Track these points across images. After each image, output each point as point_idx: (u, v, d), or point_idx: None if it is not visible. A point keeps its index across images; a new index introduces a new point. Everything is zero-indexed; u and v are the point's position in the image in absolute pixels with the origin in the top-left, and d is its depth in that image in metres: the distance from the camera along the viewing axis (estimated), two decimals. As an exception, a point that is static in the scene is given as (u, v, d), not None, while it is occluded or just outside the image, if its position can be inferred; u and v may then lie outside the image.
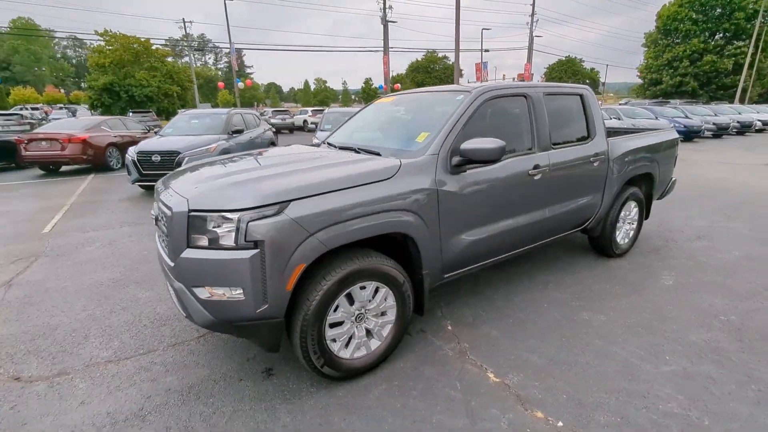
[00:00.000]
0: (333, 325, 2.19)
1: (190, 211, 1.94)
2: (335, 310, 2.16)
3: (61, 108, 35.35)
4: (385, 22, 35.47)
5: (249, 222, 1.85)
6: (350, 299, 2.21)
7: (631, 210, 4.04)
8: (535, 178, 2.97)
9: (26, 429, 2.01)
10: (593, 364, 2.43)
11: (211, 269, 1.91)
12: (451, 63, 40.07)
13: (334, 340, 2.20)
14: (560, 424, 1.98)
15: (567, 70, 39.20)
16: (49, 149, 9.89)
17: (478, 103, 2.74)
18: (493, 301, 3.23)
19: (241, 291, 1.90)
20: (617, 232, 3.96)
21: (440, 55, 40.38)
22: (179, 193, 2.11)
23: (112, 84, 28.43)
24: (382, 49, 35.82)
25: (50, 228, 5.43)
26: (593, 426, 1.96)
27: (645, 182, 4.24)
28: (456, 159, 2.49)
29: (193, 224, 1.93)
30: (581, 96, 3.49)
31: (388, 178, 2.24)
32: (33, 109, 34.64)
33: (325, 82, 75.22)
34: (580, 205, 3.45)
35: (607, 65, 68.58)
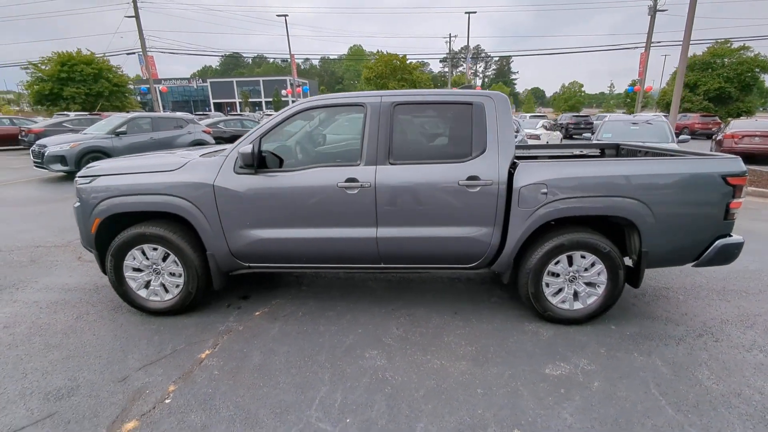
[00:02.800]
0: (135, 270, 3.06)
1: (78, 176, 3.23)
2: (134, 259, 3.02)
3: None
4: (654, 12, 29.09)
5: (78, 185, 2.98)
6: (145, 255, 3.01)
7: (585, 265, 2.80)
8: (350, 192, 2.78)
9: (44, 277, 3.87)
10: (263, 387, 2.30)
11: (76, 212, 3.16)
12: (754, 55, 28.24)
13: (133, 280, 3.07)
14: (160, 403, 2.20)
15: None
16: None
17: (292, 113, 2.88)
18: (327, 310, 3.18)
19: (79, 228, 3.07)
20: (547, 288, 2.87)
21: (735, 45, 29.15)
22: None
23: (371, 93, 35.87)
24: (644, 45, 29.61)
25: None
26: (160, 411, 2.09)
27: (630, 232, 2.81)
28: (240, 162, 2.81)
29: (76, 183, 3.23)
30: (472, 105, 2.79)
31: (171, 170, 2.88)
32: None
33: (581, 85, 67.47)
34: (453, 237, 2.82)
35: None
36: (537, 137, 12.21)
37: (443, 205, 2.78)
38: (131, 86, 34.82)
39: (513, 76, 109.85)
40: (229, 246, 2.94)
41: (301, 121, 3.19)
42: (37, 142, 10.33)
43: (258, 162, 2.83)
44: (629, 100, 37.85)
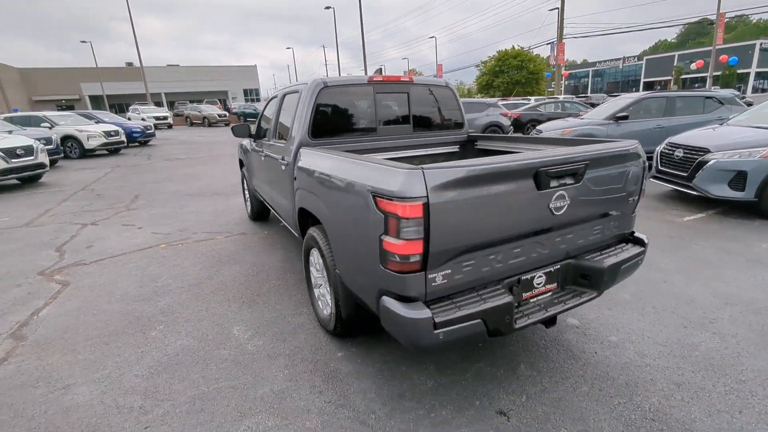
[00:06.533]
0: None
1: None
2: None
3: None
4: None
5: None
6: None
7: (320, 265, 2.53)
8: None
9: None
10: (172, 260, 4.10)
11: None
12: None
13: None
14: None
15: None
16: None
17: (267, 104, 4.21)
18: (274, 250, 4.44)
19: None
20: (313, 279, 2.79)
21: None
22: None
23: None
24: None
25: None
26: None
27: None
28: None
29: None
30: (298, 93, 3.09)
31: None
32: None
33: None
34: (283, 204, 3.35)
35: None
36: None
37: (278, 176, 3.36)
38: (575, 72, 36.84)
39: None
40: (252, 184, 4.82)
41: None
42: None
43: (259, 133, 4.44)
44: None
